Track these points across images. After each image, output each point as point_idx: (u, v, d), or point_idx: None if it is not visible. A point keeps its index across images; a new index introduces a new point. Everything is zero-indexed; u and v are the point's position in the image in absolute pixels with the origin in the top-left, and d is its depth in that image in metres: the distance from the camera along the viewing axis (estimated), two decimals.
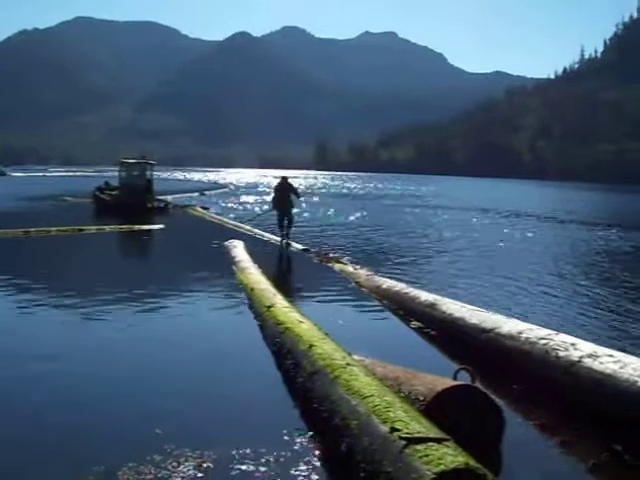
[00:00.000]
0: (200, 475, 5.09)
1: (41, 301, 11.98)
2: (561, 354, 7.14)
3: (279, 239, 21.68)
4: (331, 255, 18.83)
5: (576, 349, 7.07)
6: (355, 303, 12.91)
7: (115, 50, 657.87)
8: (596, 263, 20.30)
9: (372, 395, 5.32)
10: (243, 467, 5.24)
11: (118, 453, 5.44)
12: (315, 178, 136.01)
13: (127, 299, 12.34)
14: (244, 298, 12.33)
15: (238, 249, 18.21)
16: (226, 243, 19.89)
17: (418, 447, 4.24)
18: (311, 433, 5.89)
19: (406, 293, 11.94)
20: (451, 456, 4.10)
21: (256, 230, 24.80)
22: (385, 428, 4.65)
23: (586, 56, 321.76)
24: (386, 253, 20.92)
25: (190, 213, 36.27)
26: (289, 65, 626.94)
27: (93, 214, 35.18)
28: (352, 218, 35.73)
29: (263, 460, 5.36)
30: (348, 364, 6.31)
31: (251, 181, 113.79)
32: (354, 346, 7.46)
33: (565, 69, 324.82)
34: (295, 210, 23.21)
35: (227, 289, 13.83)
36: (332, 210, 41.22)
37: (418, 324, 10.54)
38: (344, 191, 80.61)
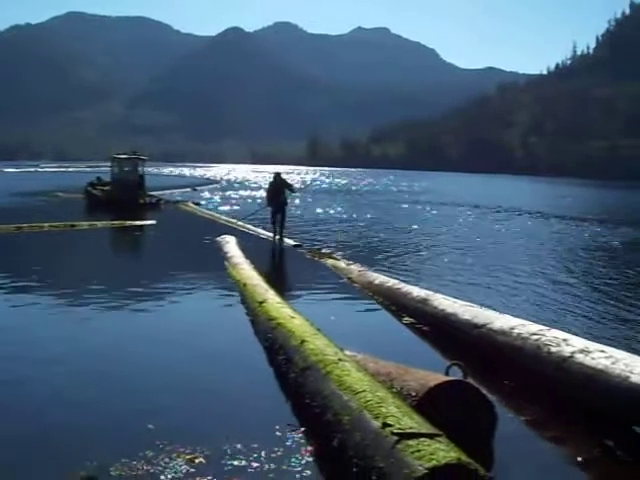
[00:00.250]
0: (192, 470, 5.08)
1: (33, 298, 11.94)
2: (553, 350, 7.15)
3: (272, 235, 21.64)
4: (323, 251, 18.85)
5: (568, 345, 7.08)
6: (347, 299, 12.92)
7: (107, 45, 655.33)
8: (582, 258, 20.40)
9: (364, 391, 5.32)
10: (235, 462, 5.24)
11: (110, 449, 5.42)
12: (307, 174, 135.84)
13: (119, 296, 12.32)
14: (236, 294, 12.33)
15: (230, 245, 18.18)
16: (218, 239, 19.87)
17: (410, 442, 4.24)
18: (303, 429, 5.89)
19: (398, 289, 11.95)
20: (443, 451, 4.11)
21: (248, 226, 24.78)
22: (377, 423, 4.65)
23: (578, 52, 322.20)
24: (378, 249, 20.95)
25: (182, 209, 36.23)
26: (281, 61, 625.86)
27: (85, 210, 35.08)
28: (344, 214, 35.76)
29: (255, 455, 5.35)
30: (340, 360, 6.31)
31: (243, 177, 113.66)
32: (346, 342, 7.46)
33: (557, 65, 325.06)
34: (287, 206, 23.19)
35: (219, 285, 13.82)
36: (324, 206, 41.19)
37: (410, 320, 10.55)
38: (336, 187, 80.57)
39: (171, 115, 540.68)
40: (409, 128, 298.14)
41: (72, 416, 6.28)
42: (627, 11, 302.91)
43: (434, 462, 3.97)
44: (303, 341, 7.16)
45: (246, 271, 13.73)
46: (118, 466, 5.08)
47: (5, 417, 6.30)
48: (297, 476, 5.06)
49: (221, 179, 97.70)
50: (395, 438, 4.33)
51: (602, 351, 6.70)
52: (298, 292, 13.77)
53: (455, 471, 3.96)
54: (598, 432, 6.02)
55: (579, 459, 5.61)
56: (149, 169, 47.98)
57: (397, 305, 11.46)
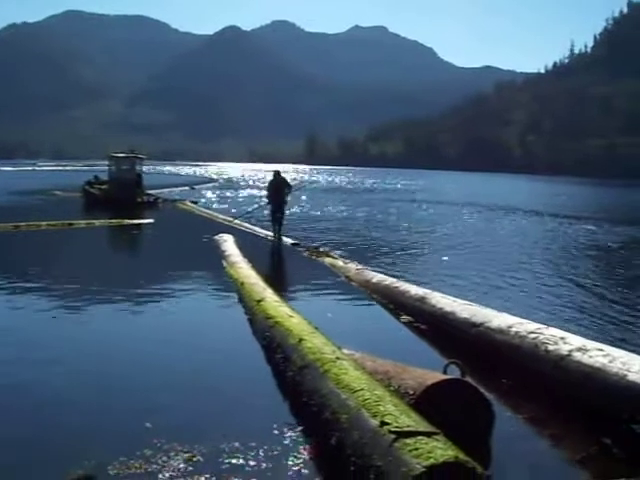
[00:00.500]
0: (190, 469, 5.08)
1: (31, 297, 11.94)
2: (550, 348, 7.15)
3: (270, 233, 21.62)
4: (321, 249, 18.83)
5: (565, 343, 7.09)
6: (345, 297, 12.92)
7: (105, 44, 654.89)
8: (579, 256, 20.42)
9: (362, 389, 5.32)
10: (233, 461, 5.24)
11: (108, 447, 5.43)
12: (304, 172, 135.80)
13: (116, 294, 12.31)
14: (234, 292, 12.32)
15: (228, 243, 18.18)
16: (216, 237, 19.86)
17: (408, 441, 4.24)
18: (301, 427, 5.90)
19: (396, 287, 11.94)
20: (441, 450, 4.11)
21: (246, 224, 24.76)
22: (375, 422, 4.65)
23: (576, 51, 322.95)
24: (374, 247, 20.95)
25: (180, 207, 36.24)
26: (279, 59, 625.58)
27: (83, 208, 34.99)
28: (341, 212, 35.76)
29: (253, 454, 5.36)
30: (338, 358, 6.31)
31: (241, 175, 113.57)
32: (344, 340, 7.46)
33: (555, 64, 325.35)
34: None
35: (217, 283, 13.83)
36: (321, 204, 41.19)
37: (408, 318, 10.55)
38: (333, 185, 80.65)
39: (169, 114, 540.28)
40: (407, 127, 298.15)
41: (70, 415, 6.29)
42: (625, 10, 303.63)
43: (432, 460, 3.98)
44: (301, 339, 7.16)
45: (244, 270, 13.72)
46: (116, 465, 5.09)
47: (4, 417, 6.29)
48: (295, 475, 5.06)
49: (219, 178, 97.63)
50: (393, 436, 4.34)
51: (600, 349, 6.71)
52: (296, 290, 13.78)
53: (453, 469, 3.97)
54: (595, 430, 6.02)
55: (577, 457, 5.61)
56: (147, 168, 47.91)
57: (395, 303, 11.45)
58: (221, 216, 28.98)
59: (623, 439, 5.89)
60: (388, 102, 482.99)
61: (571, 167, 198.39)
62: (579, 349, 6.83)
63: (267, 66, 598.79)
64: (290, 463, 5.22)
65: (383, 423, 4.55)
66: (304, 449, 5.47)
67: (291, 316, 8.57)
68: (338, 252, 18.41)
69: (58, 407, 6.49)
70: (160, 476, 4.97)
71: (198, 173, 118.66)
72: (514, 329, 7.96)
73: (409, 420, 4.59)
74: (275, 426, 5.91)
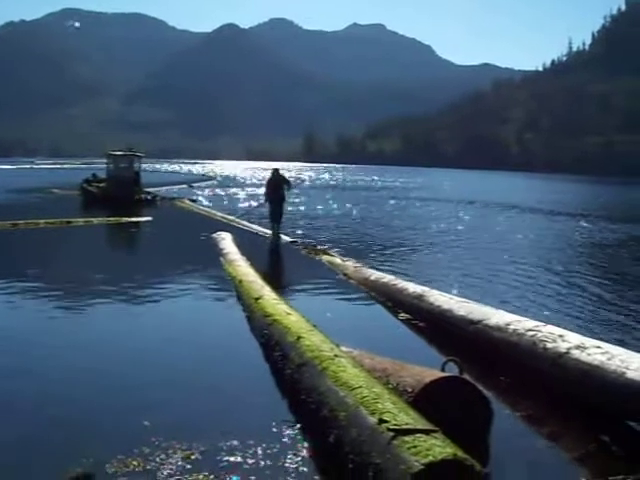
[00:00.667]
0: (188, 467, 5.08)
1: (29, 296, 11.93)
2: (549, 345, 7.15)
3: (269, 231, 21.60)
4: (319, 247, 18.83)
5: (564, 340, 7.09)
6: (343, 295, 12.91)
7: (103, 42, 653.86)
8: (578, 254, 20.43)
9: (360, 387, 5.32)
10: (231, 459, 5.24)
11: (106, 445, 5.42)
12: (302, 170, 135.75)
13: (115, 292, 12.30)
14: (232, 290, 12.32)
15: (226, 241, 18.18)
16: (214, 235, 19.85)
17: (406, 438, 4.24)
18: (299, 425, 5.89)
19: (394, 285, 11.94)
20: (439, 447, 4.11)
21: (244, 222, 24.75)
22: (373, 419, 4.65)
23: (574, 49, 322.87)
24: (372, 244, 20.93)
25: (178, 205, 36.20)
26: (277, 57, 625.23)
27: (81, 206, 35.00)
28: (339, 210, 35.76)
29: (251, 452, 5.36)
30: (336, 356, 6.30)
31: (239, 173, 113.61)
32: (342, 338, 7.46)
33: (553, 61, 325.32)
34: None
35: (215, 281, 13.81)
36: (319, 202, 41.18)
37: (406, 316, 10.55)
38: (331, 183, 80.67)
39: (167, 111, 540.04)
40: (404, 124, 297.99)
41: (68, 413, 6.27)
42: (623, 7, 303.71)
43: (430, 458, 3.98)
44: (299, 337, 7.15)
45: (242, 268, 13.72)
46: (114, 463, 5.08)
47: (3, 416, 6.28)
48: (293, 472, 5.06)
49: (217, 176, 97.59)
50: (391, 434, 4.34)
51: (598, 347, 6.70)
52: (294, 288, 13.79)
53: (451, 467, 3.97)
54: (594, 428, 6.03)
55: (575, 454, 5.62)
56: (145, 166, 47.86)
57: (393, 301, 11.45)
58: (219, 214, 28.97)
59: (621, 437, 5.89)
60: (386, 99, 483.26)
61: (569, 165, 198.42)
62: (577, 347, 6.83)
63: (265, 64, 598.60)
64: (288, 461, 5.22)
65: (381, 421, 4.55)
66: (302, 447, 5.47)
67: (289, 314, 8.56)
68: (336, 250, 18.41)
69: (57, 406, 6.46)
70: (158, 474, 4.97)
71: (196, 171, 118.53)
72: (512, 326, 7.96)
73: (407, 418, 4.59)
74: (273, 424, 5.91)
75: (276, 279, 14.17)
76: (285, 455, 5.32)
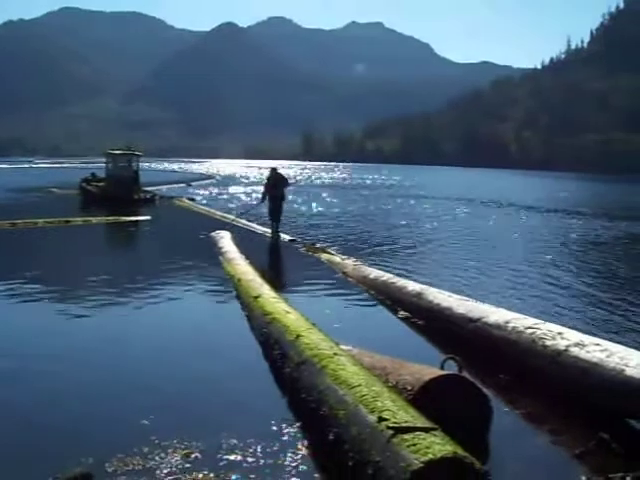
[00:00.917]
0: (187, 465, 5.08)
1: (28, 296, 11.91)
2: (548, 343, 7.15)
3: (268, 230, 21.60)
4: (318, 245, 18.83)
5: (563, 338, 7.09)
6: (342, 293, 12.90)
7: (101, 41, 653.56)
8: (576, 252, 20.43)
9: (360, 385, 5.31)
10: (231, 457, 5.24)
11: (106, 445, 5.42)
12: (301, 169, 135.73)
13: (113, 292, 12.30)
14: (231, 289, 12.32)
15: (225, 240, 18.17)
16: (213, 234, 19.85)
17: (406, 436, 4.24)
18: (299, 423, 5.89)
19: (393, 283, 11.94)
20: (439, 445, 4.11)
21: (243, 221, 24.72)
22: (373, 417, 4.64)
23: (572, 46, 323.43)
24: (370, 243, 20.93)
25: (177, 204, 36.18)
26: (276, 56, 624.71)
27: (80, 206, 34.99)
28: (338, 208, 35.75)
29: (251, 450, 5.35)
30: (335, 354, 6.30)
31: (237, 172, 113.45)
32: (341, 336, 7.46)
33: (552, 59, 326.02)
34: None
35: (214, 280, 13.80)
36: (318, 200, 41.20)
37: (405, 314, 10.55)
38: (330, 182, 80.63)
39: (165, 111, 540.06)
40: (403, 123, 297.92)
41: (68, 413, 6.27)
42: (621, 5, 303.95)
43: (430, 456, 3.98)
44: (298, 335, 7.15)
45: (241, 266, 13.72)
46: (114, 462, 5.08)
47: (2, 414, 6.27)
48: (293, 471, 5.06)
49: (216, 174, 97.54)
50: (391, 432, 4.33)
51: (597, 344, 6.70)
52: (293, 287, 13.77)
53: (451, 465, 3.97)
54: (593, 425, 6.02)
55: (575, 452, 5.61)
56: (144, 165, 47.86)
57: (392, 299, 11.45)
58: (218, 213, 28.96)
59: (621, 434, 5.89)
60: (385, 98, 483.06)
61: (567, 163, 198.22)
62: (576, 344, 6.83)
63: (264, 63, 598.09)
64: (288, 459, 5.22)
65: (381, 419, 4.55)
66: (302, 445, 5.47)
67: (288, 312, 8.56)
68: (335, 248, 18.41)
69: (56, 405, 6.47)
70: (158, 472, 4.97)
71: (195, 170, 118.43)
72: (511, 324, 7.96)
73: (407, 416, 4.59)
74: (273, 422, 5.91)
75: (275, 277, 14.17)
76: (285, 453, 5.32)
